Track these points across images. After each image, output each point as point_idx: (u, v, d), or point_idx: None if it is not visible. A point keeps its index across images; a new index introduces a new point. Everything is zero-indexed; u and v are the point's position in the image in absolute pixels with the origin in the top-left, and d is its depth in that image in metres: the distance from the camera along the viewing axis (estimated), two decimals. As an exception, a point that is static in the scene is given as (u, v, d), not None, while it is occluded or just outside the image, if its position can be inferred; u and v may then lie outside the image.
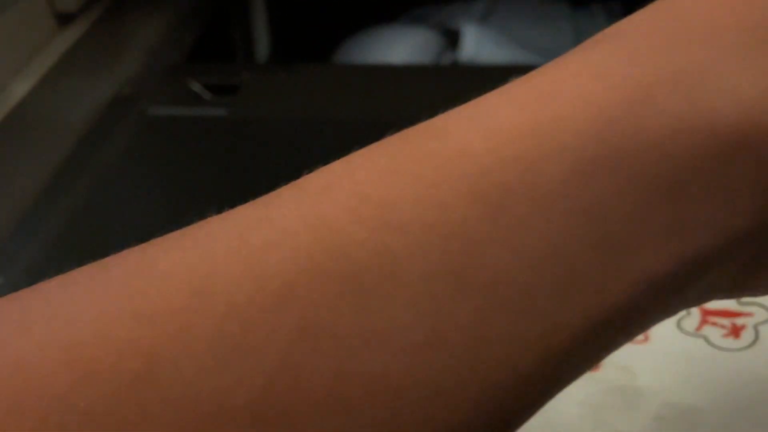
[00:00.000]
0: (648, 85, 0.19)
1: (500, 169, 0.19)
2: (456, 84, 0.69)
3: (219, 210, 0.20)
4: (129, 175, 0.63)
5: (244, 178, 0.61)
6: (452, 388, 0.18)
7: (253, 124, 0.66)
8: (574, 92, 0.20)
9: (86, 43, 0.70)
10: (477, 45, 0.82)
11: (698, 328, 0.41)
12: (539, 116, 0.19)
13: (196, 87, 0.69)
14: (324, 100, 0.69)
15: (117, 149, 0.64)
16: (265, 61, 0.91)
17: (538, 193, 0.19)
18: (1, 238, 0.56)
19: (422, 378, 0.18)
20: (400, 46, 0.83)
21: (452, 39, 0.84)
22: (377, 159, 0.20)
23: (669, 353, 0.40)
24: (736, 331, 0.41)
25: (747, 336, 0.41)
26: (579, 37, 0.85)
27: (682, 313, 0.35)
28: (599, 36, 0.22)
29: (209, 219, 0.20)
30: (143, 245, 0.19)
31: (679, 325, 0.41)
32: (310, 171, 0.20)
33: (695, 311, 0.42)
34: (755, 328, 0.41)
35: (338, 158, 0.20)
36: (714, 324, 0.41)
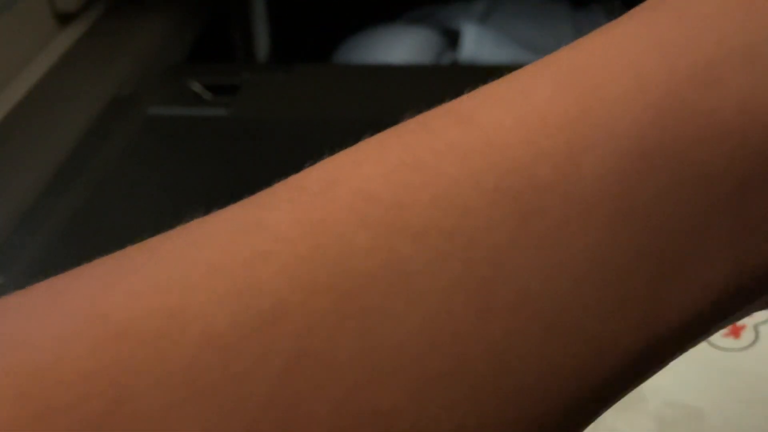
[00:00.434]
0: (717, 61, 0.16)
1: (534, 164, 0.16)
2: (456, 84, 0.69)
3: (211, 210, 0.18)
4: (129, 175, 0.63)
5: (244, 178, 0.61)
6: (474, 426, 0.15)
7: (253, 124, 0.66)
8: (625, 69, 0.16)
9: (86, 43, 0.70)
10: (477, 45, 0.82)
11: (698, 328, 0.41)
12: (583, 99, 0.16)
13: (196, 87, 0.69)
14: (324, 100, 0.69)
15: (117, 149, 0.64)
16: (265, 61, 0.91)
17: (580, 193, 0.16)
18: (1, 238, 0.56)
19: (439, 415, 0.15)
20: (400, 46, 0.83)
21: (452, 39, 0.84)
22: (389, 150, 0.16)
23: (669, 353, 0.40)
24: (736, 331, 0.41)
25: (747, 336, 0.41)
26: (580, 36, 0.85)
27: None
28: (653, 1, 0.18)
29: (192, 223, 0.17)
30: (117, 253, 0.17)
31: (679, 325, 0.41)
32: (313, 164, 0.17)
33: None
34: (755, 328, 0.41)
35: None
36: (714, 324, 0.41)
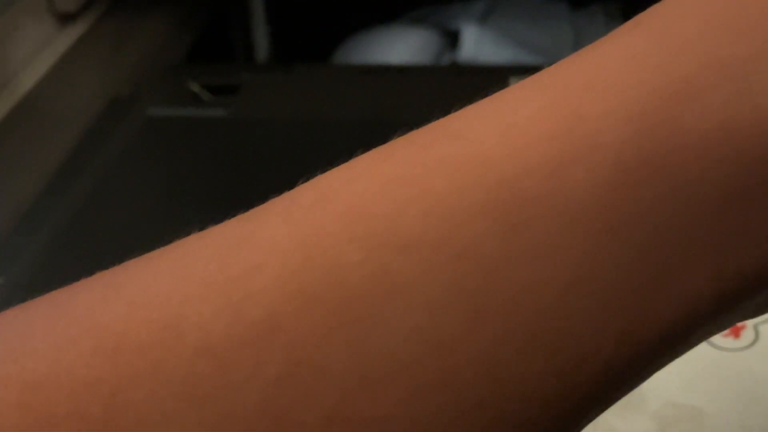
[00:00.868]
0: (694, 76, 0.17)
1: (522, 177, 0.16)
2: (456, 84, 0.69)
3: (203, 223, 0.18)
4: (128, 175, 0.63)
5: (243, 178, 0.61)
6: None
7: (253, 124, 0.66)
8: (608, 85, 0.17)
9: (86, 43, 0.70)
10: (476, 45, 0.82)
11: (698, 328, 0.41)
12: (567, 115, 0.17)
13: (195, 87, 0.69)
14: (324, 101, 0.69)
15: (117, 149, 0.64)
16: (264, 61, 0.91)
17: (566, 206, 0.16)
18: (1, 238, 0.56)
19: (429, 423, 0.16)
20: (400, 46, 0.83)
21: (452, 39, 0.84)
22: (379, 166, 0.17)
23: (669, 353, 0.40)
24: (736, 331, 0.41)
25: (747, 336, 0.40)
26: (578, 37, 0.85)
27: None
28: (636, 20, 0.18)
29: (189, 237, 0.17)
30: (115, 268, 0.17)
31: (678, 325, 0.41)
32: (307, 175, 0.18)
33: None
34: (755, 328, 0.41)
35: (338, 158, 0.18)
36: (714, 324, 0.41)
